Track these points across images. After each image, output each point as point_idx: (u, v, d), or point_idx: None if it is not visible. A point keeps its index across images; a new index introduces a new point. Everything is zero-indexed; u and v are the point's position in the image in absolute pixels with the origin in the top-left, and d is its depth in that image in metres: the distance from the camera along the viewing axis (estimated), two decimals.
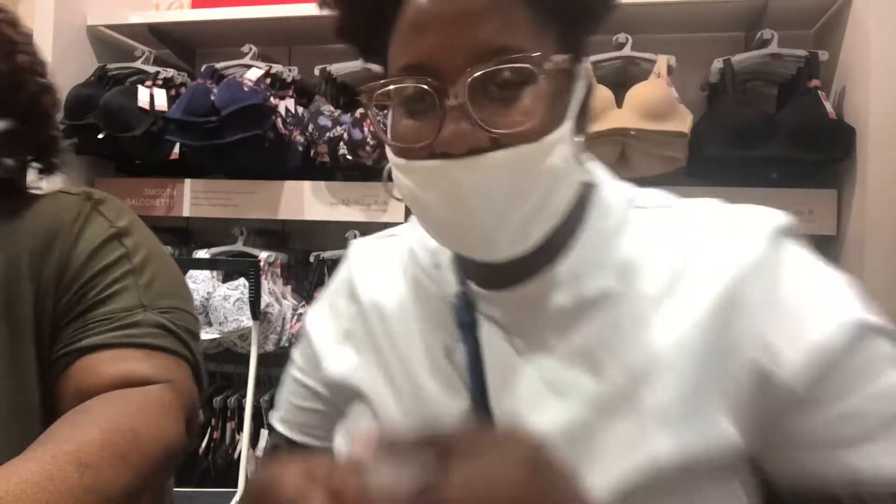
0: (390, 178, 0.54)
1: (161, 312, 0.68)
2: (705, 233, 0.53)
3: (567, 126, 0.50)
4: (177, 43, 2.10)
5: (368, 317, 0.62)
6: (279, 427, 0.69)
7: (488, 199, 0.48)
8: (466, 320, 0.56)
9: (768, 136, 1.51)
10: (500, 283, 0.55)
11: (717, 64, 1.62)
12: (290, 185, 1.85)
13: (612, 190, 0.57)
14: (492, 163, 0.47)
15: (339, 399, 0.63)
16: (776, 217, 0.52)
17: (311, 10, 1.84)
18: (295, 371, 0.68)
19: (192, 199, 1.92)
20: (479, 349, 0.55)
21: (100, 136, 1.86)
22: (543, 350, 0.53)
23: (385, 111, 0.54)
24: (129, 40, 2.11)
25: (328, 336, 0.65)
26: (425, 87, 0.47)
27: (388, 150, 0.53)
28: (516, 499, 0.31)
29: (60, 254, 0.68)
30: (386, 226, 0.69)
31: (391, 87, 0.49)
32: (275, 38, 1.99)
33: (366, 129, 1.69)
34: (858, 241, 1.47)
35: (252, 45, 1.90)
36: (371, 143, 1.69)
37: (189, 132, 1.76)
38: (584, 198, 0.56)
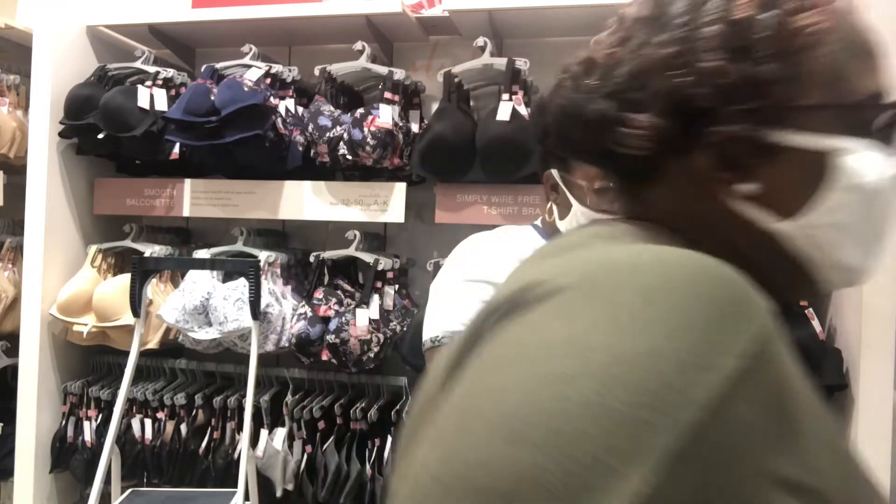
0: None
1: None
2: None
3: None
4: (177, 43, 2.10)
5: None
6: None
7: None
8: None
9: None
10: None
11: None
12: (290, 185, 1.85)
13: None
14: None
15: None
16: None
17: (311, 10, 1.84)
18: None
19: (192, 199, 1.93)
20: None
21: (100, 136, 1.86)
22: None
23: None
24: (129, 40, 2.11)
25: None
26: None
27: None
28: None
29: None
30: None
31: None
32: (275, 38, 1.99)
33: (366, 128, 1.69)
34: None
35: (252, 45, 1.90)
36: (371, 143, 1.69)
37: (189, 132, 1.76)
38: None
